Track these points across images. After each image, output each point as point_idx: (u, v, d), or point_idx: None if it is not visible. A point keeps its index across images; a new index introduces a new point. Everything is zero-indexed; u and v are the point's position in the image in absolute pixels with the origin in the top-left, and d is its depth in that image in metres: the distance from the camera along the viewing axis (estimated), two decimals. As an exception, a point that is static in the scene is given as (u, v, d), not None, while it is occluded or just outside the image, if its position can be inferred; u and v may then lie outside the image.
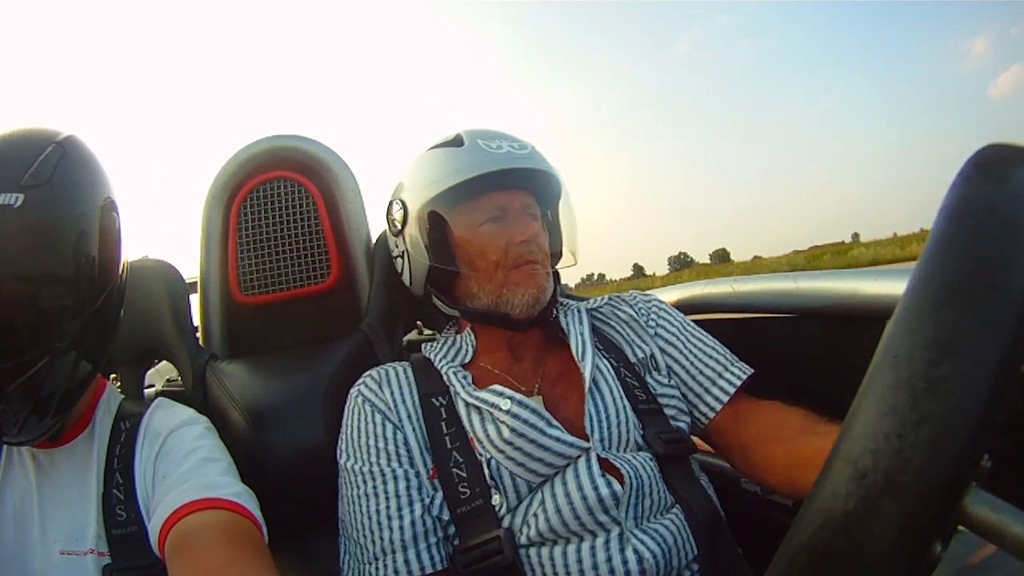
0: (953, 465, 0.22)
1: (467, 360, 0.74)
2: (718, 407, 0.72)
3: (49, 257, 0.56)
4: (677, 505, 0.64)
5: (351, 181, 0.98)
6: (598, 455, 0.62)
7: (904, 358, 0.23)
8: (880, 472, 0.23)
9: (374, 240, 0.97)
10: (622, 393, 0.68)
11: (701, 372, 0.74)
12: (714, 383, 0.73)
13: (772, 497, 0.80)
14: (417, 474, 0.65)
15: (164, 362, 0.97)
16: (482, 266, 0.71)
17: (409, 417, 0.68)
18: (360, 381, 0.73)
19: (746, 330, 0.92)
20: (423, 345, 0.79)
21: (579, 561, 0.58)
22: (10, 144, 0.56)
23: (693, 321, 0.80)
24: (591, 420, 0.65)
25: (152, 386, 0.99)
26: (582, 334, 0.72)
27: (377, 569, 0.61)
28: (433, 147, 0.77)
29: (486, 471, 0.63)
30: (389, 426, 0.67)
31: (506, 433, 0.62)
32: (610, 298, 0.82)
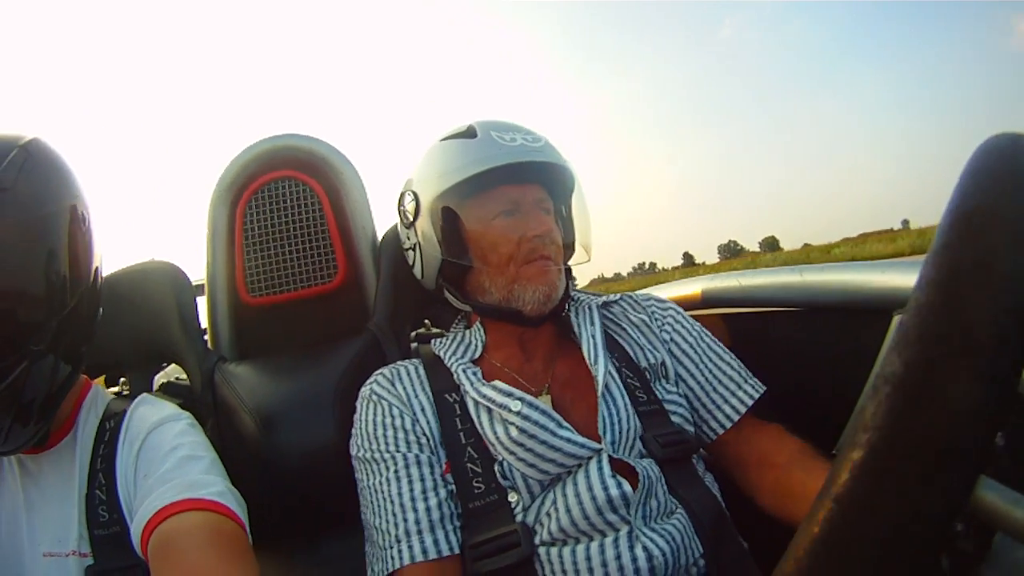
0: (965, 448, 0.22)
1: (476, 355, 0.73)
2: (728, 425, 0.71)
3: (17, 261, 0.55)
4: (680, 507, 0.64)
5: (356, 179, 0.97)
6: (610, 456, 0.62)
7: (914, 343, 0.23)
8: (892, 456, 0.23)
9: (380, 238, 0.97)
10: (626, 395, 0.68)
11: (715, 389, 0.73)
12: (726, 401, 0.72)
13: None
14: (438, 462, 0.65)
15: (172, 365, 0.97)
16: (494, 260, 0.71)
17: (423, 411, 0.68)
18: (371, 380, 0.73)
19: (753, 324, 0.92)
20: (432, 341, 0.78)
21: (588, 559, 0.58)
22: None
23: (701, 316, 0.79)
24: (604, 423, 0.64)
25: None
26: (594, 336, 0.71)
27: (400, 551, 0.61)
28: (445, 138, 0.76)
29: (497, 471, 0.63)
30: (407, 417, 0.68)
31: (515, 434, 0.62)
32: (623, 296, 0.81)
